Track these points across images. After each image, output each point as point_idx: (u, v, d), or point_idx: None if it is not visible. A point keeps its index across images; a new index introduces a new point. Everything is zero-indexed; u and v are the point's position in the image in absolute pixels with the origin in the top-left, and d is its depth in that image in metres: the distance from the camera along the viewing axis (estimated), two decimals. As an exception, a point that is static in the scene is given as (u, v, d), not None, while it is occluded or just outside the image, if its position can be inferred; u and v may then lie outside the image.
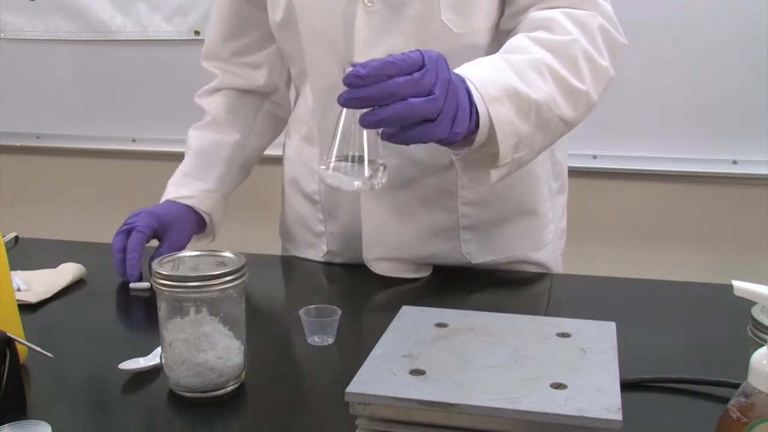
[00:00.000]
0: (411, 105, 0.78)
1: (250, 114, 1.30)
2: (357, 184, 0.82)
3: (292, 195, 1.27)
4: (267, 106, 1.32)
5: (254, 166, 1.33)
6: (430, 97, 0.79)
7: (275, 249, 1.34)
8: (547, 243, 1.21)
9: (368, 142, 0.82)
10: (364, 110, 0.79)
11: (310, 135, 1.21)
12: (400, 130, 0.80)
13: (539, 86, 0.91)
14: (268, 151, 1.34)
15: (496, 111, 0.86)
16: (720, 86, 1.94)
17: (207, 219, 1.23)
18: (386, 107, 0.78)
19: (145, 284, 1.11)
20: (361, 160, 0.82)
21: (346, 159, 0.82)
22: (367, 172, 0.82)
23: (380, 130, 0.81)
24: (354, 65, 0.78)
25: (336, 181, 0.82)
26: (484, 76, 0.87)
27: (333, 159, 0.82)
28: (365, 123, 0.79)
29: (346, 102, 0.78)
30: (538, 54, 0.94)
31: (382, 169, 0.83)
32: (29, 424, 0.70)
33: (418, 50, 0.80)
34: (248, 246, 1.08)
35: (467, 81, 0.86)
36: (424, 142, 0.83)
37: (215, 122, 1.28)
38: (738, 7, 1.88)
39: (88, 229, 1.78)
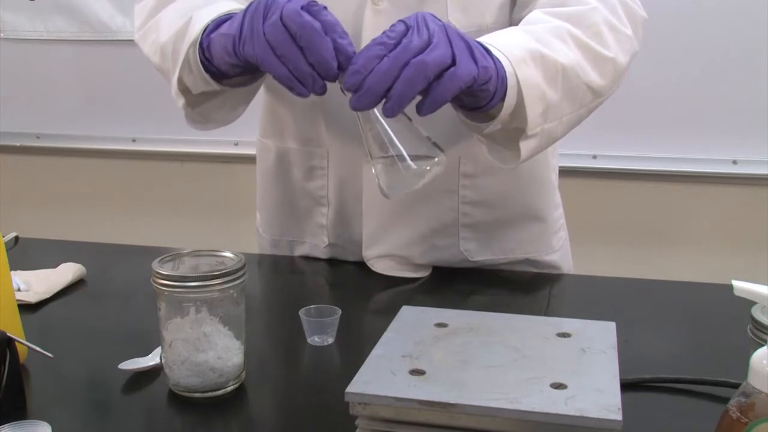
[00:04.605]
0: (418, 62, 0.72)
1: None
2: (417, 181, 0.77)
3: (286, 191, 1.20)
4: None
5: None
6: (431, 45, 0.73)
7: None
8: (556, 250, 1.20)
9: (399, 132, 0.76)
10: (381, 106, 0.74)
11: (299, 135, 1.15)
12: (428, 96, 0.75)
13: (563, 51, 0.87)
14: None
15: (522, 72, 0.81)
16: (720, 86, 1.94)
17: None
18: (396, 82, 0.72)
19: None
20: (402, 158, 0.76)
21: (391, 162, 0.76)
22: (414, 165, 0.76)
23: (414, 112, 0.75)
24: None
25: (393, 190, 0.78)
26: (505, 41, 0.81)
27: (379, 164, 0.77)
28: (390, 112, 0.74)
29: (357, 104, 0.73)
30: (557, 23, 0.90)
31: (429, 154, 0.77)
32: (29, 424, 0.70)
33: (399, 20, 0.75)
34: (240, 246, 1.07)
35: (484, 43, 0.81)
36: (460, 90, 0.76)
37: None
38: (738, 7, 1.88)
39: (88, 229, 1.78)
